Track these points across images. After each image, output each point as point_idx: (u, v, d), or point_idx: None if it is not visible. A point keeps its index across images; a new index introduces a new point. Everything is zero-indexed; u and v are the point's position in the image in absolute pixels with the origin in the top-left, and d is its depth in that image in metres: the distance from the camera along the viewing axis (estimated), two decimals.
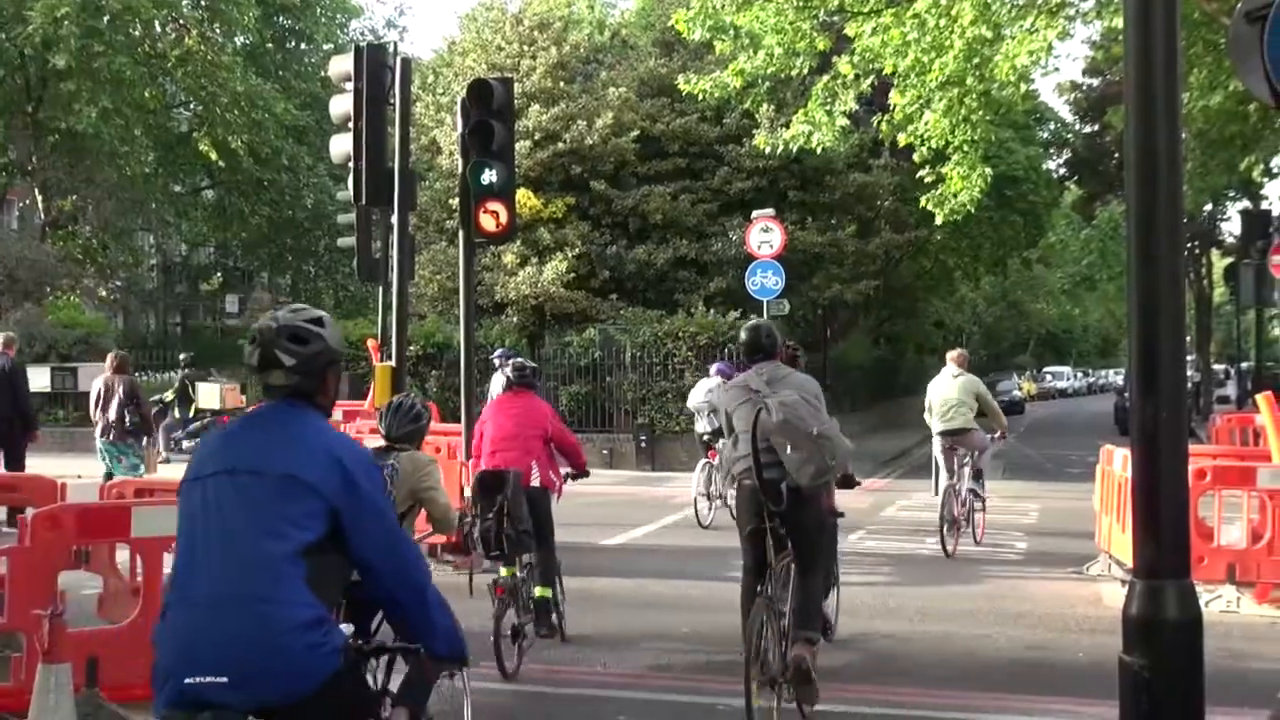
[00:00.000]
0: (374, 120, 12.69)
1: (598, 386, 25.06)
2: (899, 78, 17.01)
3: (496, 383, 20.68)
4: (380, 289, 15.79)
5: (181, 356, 24.71)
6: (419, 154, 29.48)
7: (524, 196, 26.65)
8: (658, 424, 24.07)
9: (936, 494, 14.13)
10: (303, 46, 42.13)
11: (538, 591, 8.74)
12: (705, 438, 15.81)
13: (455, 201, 24.93)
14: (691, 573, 12.21)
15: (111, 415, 14.37)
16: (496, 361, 20.05)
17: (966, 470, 13.79)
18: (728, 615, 10.29)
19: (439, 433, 14.29)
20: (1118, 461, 11.92)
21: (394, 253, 13.09)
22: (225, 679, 3.15)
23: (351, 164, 12.77)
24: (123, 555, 8.27)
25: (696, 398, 16.38)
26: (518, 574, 8.41)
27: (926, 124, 17.33)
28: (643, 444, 24.17)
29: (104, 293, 38.71)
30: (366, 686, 3.74)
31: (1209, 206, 40.70)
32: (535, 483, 8.91)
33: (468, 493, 9.20)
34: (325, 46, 40.27)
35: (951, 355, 14.30)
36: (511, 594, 8.29)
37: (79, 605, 7.74)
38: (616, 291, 28.22)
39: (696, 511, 15.64)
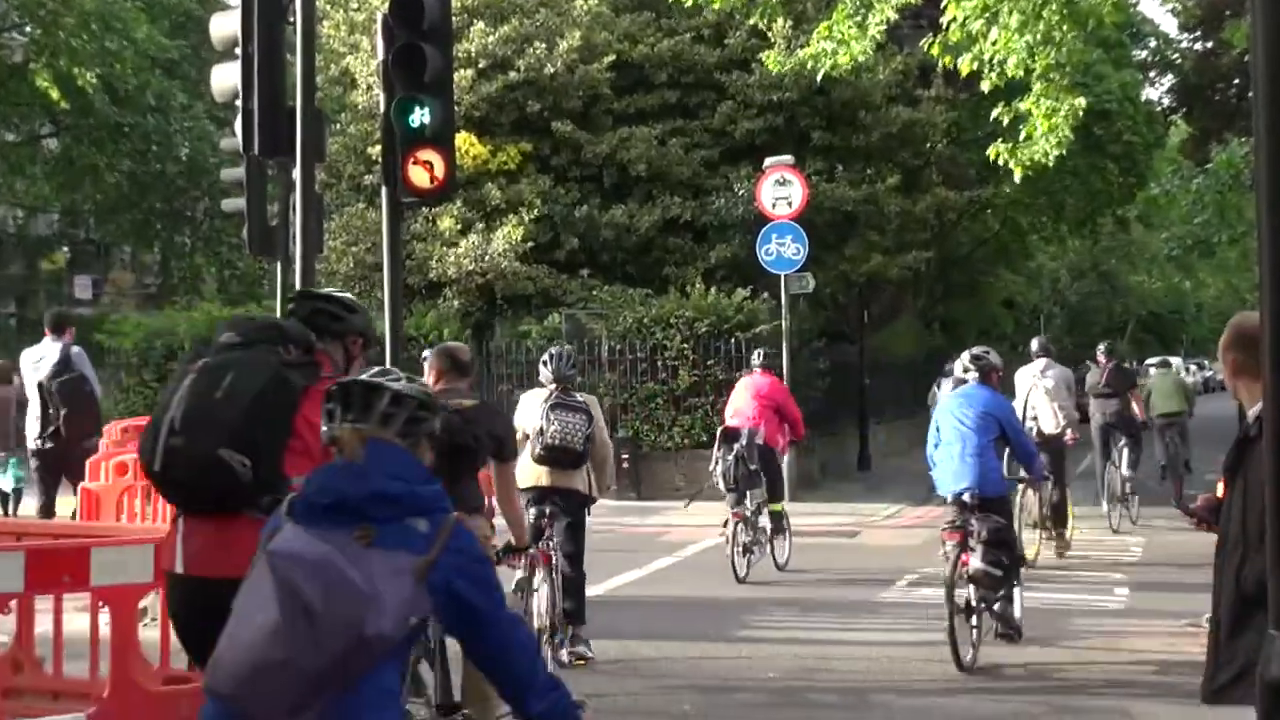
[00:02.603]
0: (268, 45, 12.68)
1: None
2: None
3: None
4: (279, 265, 15.71)
5: None
6: (328, 89, 29.42)
7: (466, 142, 26.61)
8: (644, 438, 24.09)
9: (1164, 473, 22.32)
10: None
11: (771, 508, 15.92)
12: None
13: (375, 150, 24.88)
14: (692, 633, 12.28)
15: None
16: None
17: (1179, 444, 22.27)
18: (738, 690, 10.33)
19: None
20: None
21: (296, 218, 13.08)
22: (968, 484, 11.27)
23: (240, 103, 12.75)
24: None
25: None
26: (748, 504, 15.33)
27: (994, 44, 17.34)
28: (624, 465, 24.19)
29: None
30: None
31: None
32: (760, 441, 15.55)
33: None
34: None
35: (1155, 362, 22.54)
36: (744, 520, 15.26)
37: None
38: (588, 265, 28.27)
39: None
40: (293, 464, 5.57)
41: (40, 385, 15.13)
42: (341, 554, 3.87)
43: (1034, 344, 18.04)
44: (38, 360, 15.26)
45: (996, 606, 11.29)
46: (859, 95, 29.31)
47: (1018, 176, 18.85)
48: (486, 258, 26.94)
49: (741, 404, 16.21)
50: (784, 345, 22.54)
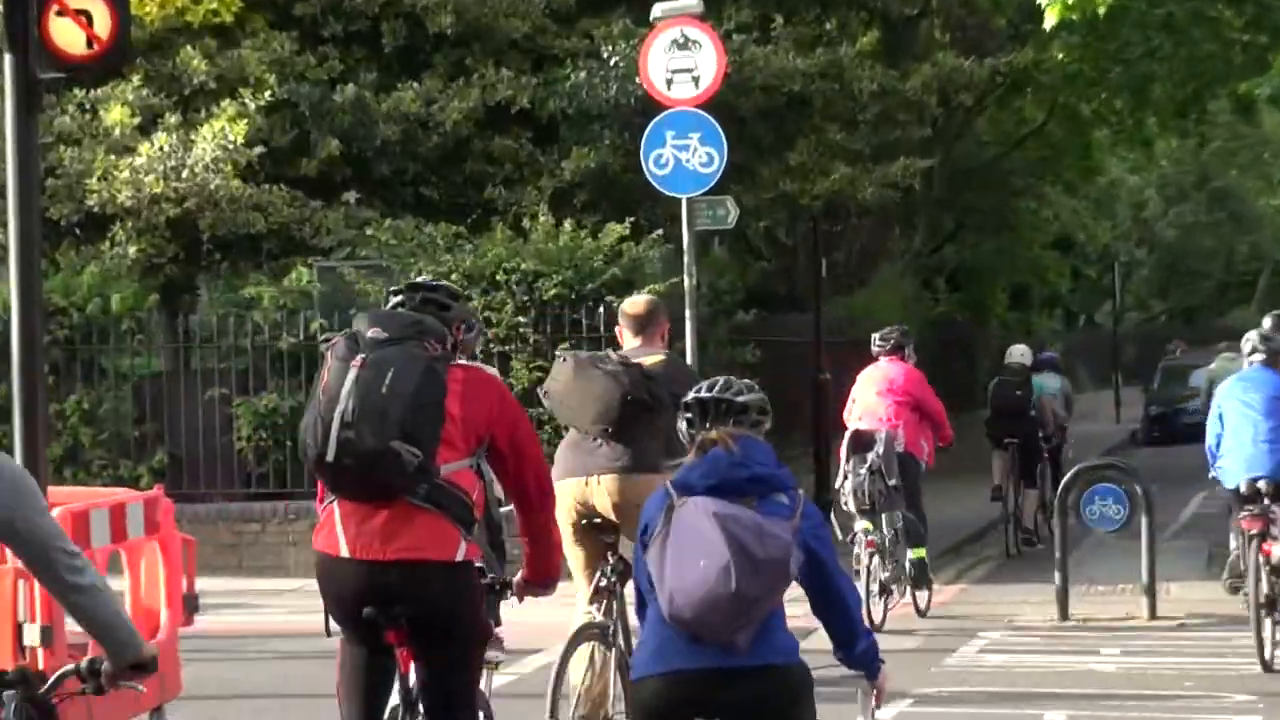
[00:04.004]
0: None
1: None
2: None
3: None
4: None
5: None
6: None
7: None
8: None
9: None
10: None
11: (912, 553, 19.50)
12: None
13: None
14: None
15: None
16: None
17: None
18: None
19: None
20: None
21: None
22: (1266, 470, 16.58)
23: None
24: None
25: None
26: (885, 531, 18.93)
27: None
28: None
29: None
30: None
31: None
32: (899, 448, 19.08)
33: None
34: None
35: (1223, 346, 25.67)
36: (880, 550, 18.82)
37: None
38: (358, 184, 28.44)
39: None
40: (440, 454, 9.22)
41: None
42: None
43: (1267, 322, 21.04)
44: None
45: None
46: None
47: (1050, 22, 18.92)
48: (185, 173, 26.82)
49: (870, 401, 19.90)
50: (688, 316, 22.50)
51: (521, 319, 24.27)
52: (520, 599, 10.40)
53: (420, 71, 28.80)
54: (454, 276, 24.17)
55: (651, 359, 12.77)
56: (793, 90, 29.20)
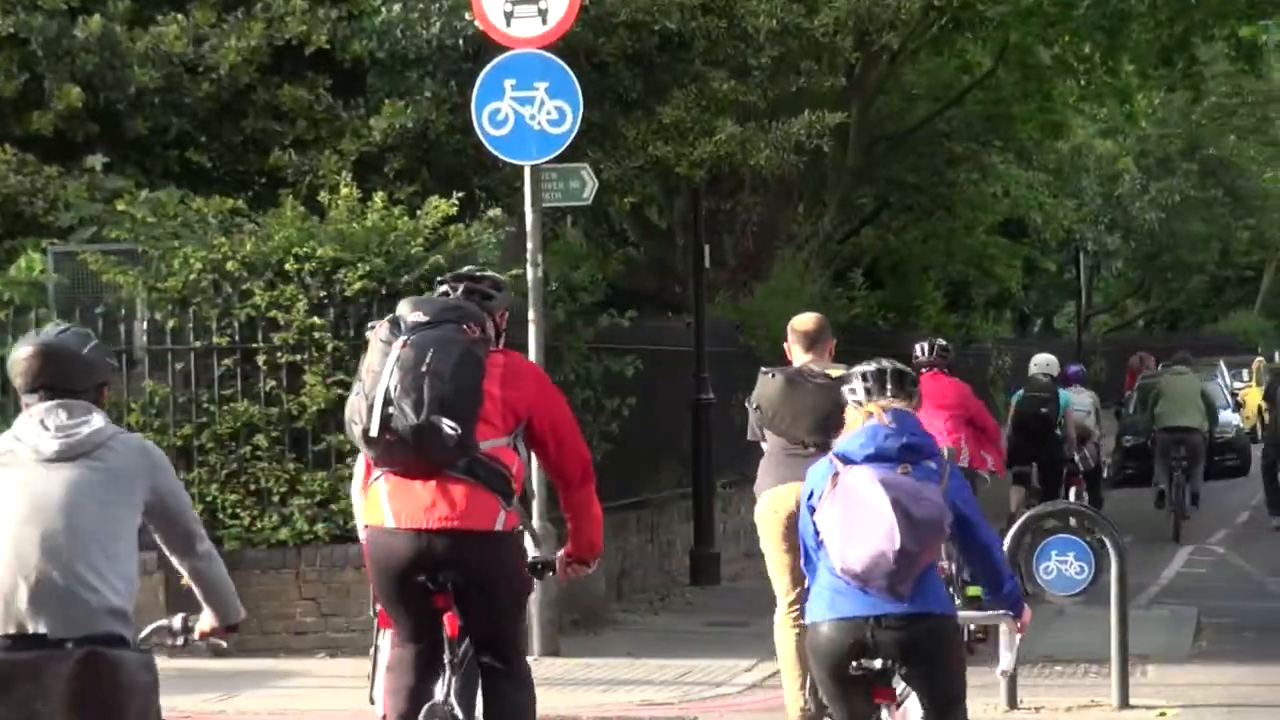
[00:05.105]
0: None
1: None
2: None
3: None
4: None
5: None
6: None
7: None
8: (230, 524, 23.80)
9: None
10: None
11: (969, 591, 21.36)
12: None
13: None
14: None
15: None
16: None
17: None
18: None
19: None
20: None
21: None
22: None
23: None
24: None
25: None
26: (958, 558, 20.12)
27: None
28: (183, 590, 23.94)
29: None
30: None
31: None
32: (964, 464, 22.91)
33: None
34: None
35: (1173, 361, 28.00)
36: (950, 581, 20.21)
37: None
38: (106, 145, 28.38)
39: None
40: (480, 431, 12.52)
41: None
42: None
43: None
44: None
45: None
46: None
47: None
48: None
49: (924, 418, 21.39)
50: (531, 319, 22.55)
51: (317, 320, 24.29)
52: (564, 577, 13.80)
53: (187, 0, 28.80)
54: (230, 265, 24.08)
55: (836, 371, 16.57)
56: (668, 27, 29.34)
